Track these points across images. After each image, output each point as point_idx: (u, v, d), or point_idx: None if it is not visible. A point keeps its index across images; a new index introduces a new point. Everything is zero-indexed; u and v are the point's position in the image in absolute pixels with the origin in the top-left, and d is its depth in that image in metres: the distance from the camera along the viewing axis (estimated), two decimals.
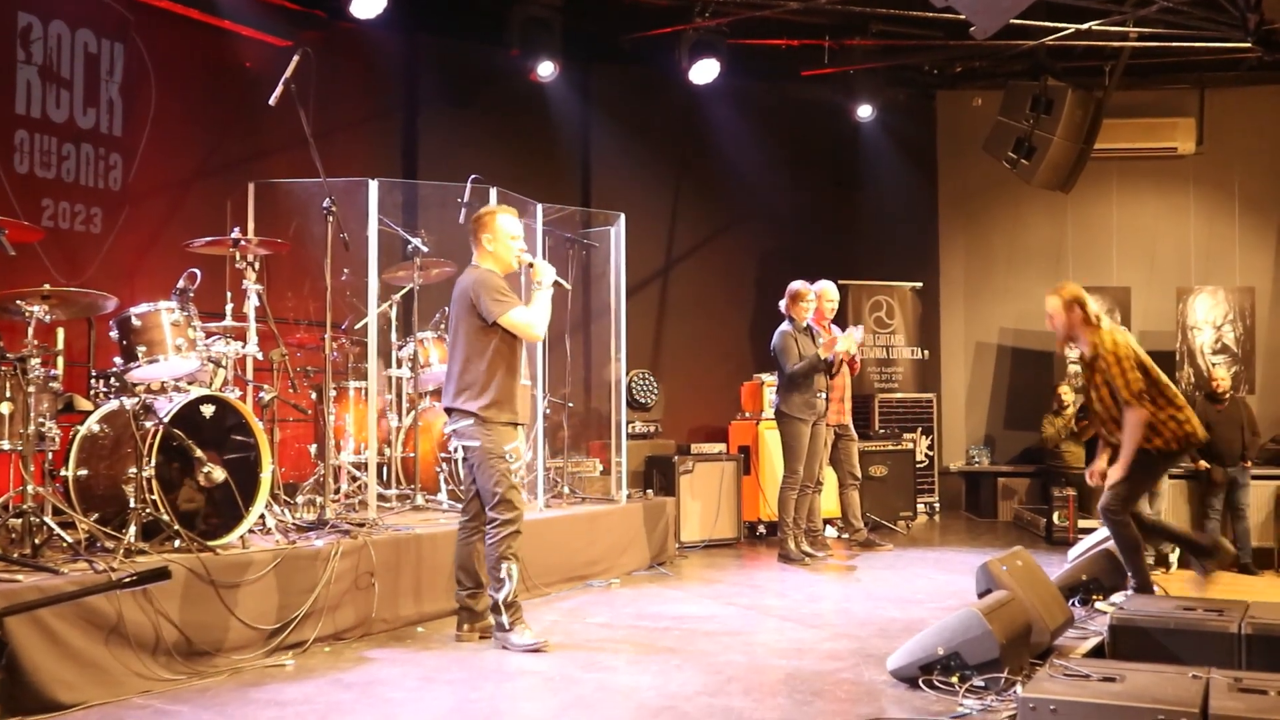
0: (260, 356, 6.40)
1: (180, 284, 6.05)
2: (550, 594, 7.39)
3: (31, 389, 5.30)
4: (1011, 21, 8.81)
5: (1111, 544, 7.32)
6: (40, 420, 5.43)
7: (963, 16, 6.97)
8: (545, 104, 10.56)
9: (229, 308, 6.66)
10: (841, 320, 10.28)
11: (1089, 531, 8.73)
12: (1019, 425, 12.71)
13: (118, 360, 5.93)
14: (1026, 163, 9.30)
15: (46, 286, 5.49)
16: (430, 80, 10.34)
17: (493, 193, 7.53)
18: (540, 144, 10.82)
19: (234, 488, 5.66)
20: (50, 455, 5.65)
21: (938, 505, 12.19)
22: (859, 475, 9.54)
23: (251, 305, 6.34)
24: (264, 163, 8.42)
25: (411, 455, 7.82)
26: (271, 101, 6.42)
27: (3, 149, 7.45)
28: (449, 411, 5.89)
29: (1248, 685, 4.32)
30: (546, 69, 9.89)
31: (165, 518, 5.37)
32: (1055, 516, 10.02)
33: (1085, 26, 8.83)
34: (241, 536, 5.76)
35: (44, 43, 7.69)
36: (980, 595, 5.74)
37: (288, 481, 7.84)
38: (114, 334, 5.94)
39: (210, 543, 5.53)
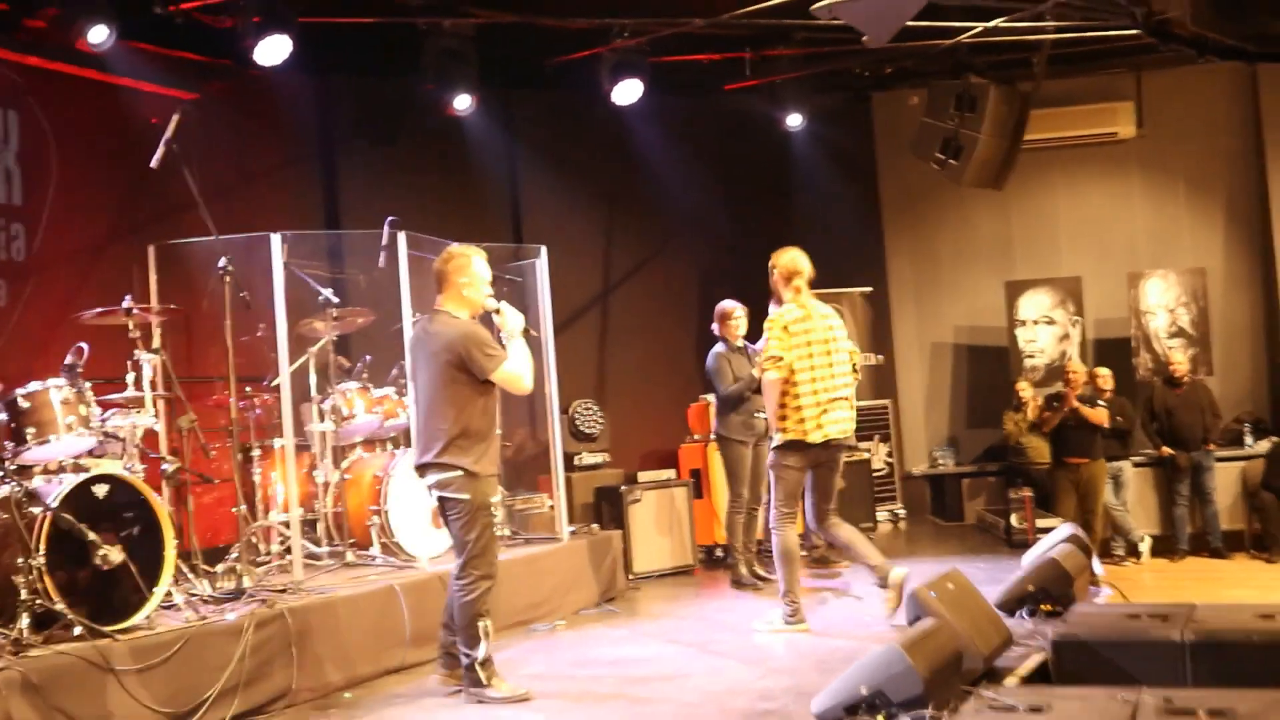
0: (158, 428, 6.20)
1: (68, 359, 5.86)
2: (493, 641, 7.17)
3: None
4: (928, 22, 8.71)
5: (1059, 550, 7.17)
6: None
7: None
8: (466, 137, 10.38)
9: (130, 378, 6.45)
10: None
11: (1049, 531, 8.55)
12: (981, 423, 12.53)
13: (8, 444, 5.72)
14: (955, 163, 9.14)
15: None
16: (347, 121, 10.16)
17: (401, 237, 7.31)
18: (465, 178, 10.64)
19: (133, 568, 5.44)
20: None
21: (902, 512, 12.01)
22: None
23: (145, 375, 6.13)
24: (175, 221, 8.15)
25: (339, 510, 7.62)
26: (153, 164, 6.23)
27: None
28: (429, 467, 5.71)
29: (1178, 705, 4.16)
30: (463, 102, 9.70)
31: (58, 607, 5.16)
32: (1013, 519, 9.84)
33: (993, 23, 8.68)
34: (149, 616, 5.55)
35: None
36: (911, 623, 5.56)
37: (215, 546, 7.66)
38: (2, 416, 5.74)
39: (113, 626, 5.32)
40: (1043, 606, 6.69)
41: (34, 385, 5.75)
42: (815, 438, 6.74)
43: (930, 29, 9.27)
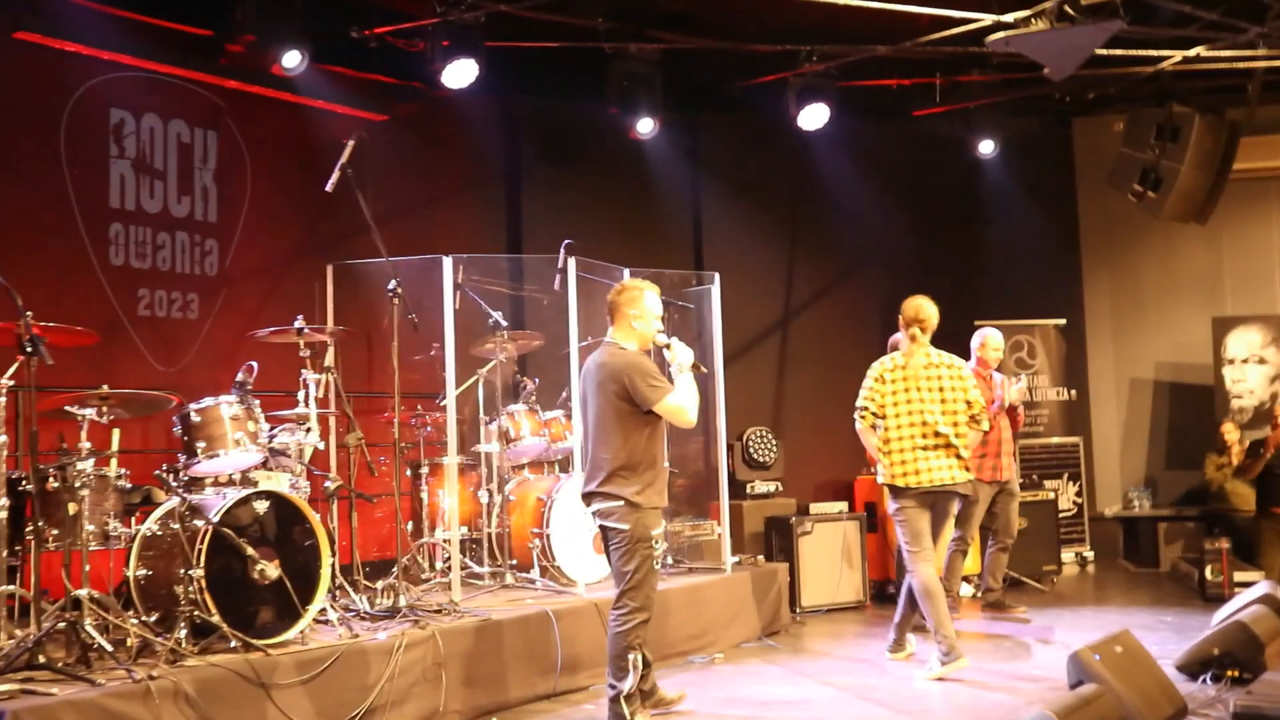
0: (321, 445, 6.34)
1: (239, 376, 6.05)
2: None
3: (84, 491, 5.33)
4: (1130, 51, 8.31)
5: (1250, 611, 6.71)
6: (105, 520, 5.49)
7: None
8: (650, 161, 10.39)
9: (301, 395, 6.63)
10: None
11: (1248, 586, 8.03)
12: (1181, 465, 11.89)
13: (181, 456, 5.94)
14: (1154, 195, 8.69)
15: (105, 388, 5.53)
16: (531, 144, 10.29)
17: (571, 262, 7.32)
18: (647, 202, 10.65)
19: (288, 584, 5.57)
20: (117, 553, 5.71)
21: (1090, 555, 11.48)
22: (1013, 535, 8.96)
23: (312, 394, 6.28)
24: (363, 239, 8.40)
25: (503, 530, 7.68)
26: (328, 188, 6.38)
27: (98, 243, 7.61)
28: (593, 495, 5.76)
29: None
30: (646, 125, 9.71)
31: (214, 619, 5.32)
32: (1208, 570, 9.26)
33: (1193, 52, 8.20)
34: (302, 632, 5.67)
35: (136, 136, 7.86)
36: (1072, 687, 5.25)
37: (385, 559, 7.82)
38: (177, 429, 5.97)
39: (267, 640, 5.45)
40: (1229, 673, 6.27)
41: (207, 400, 5.96)
42: (909, 482, 6.83)
43: (1132, 56, 8.86)
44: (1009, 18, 5.97)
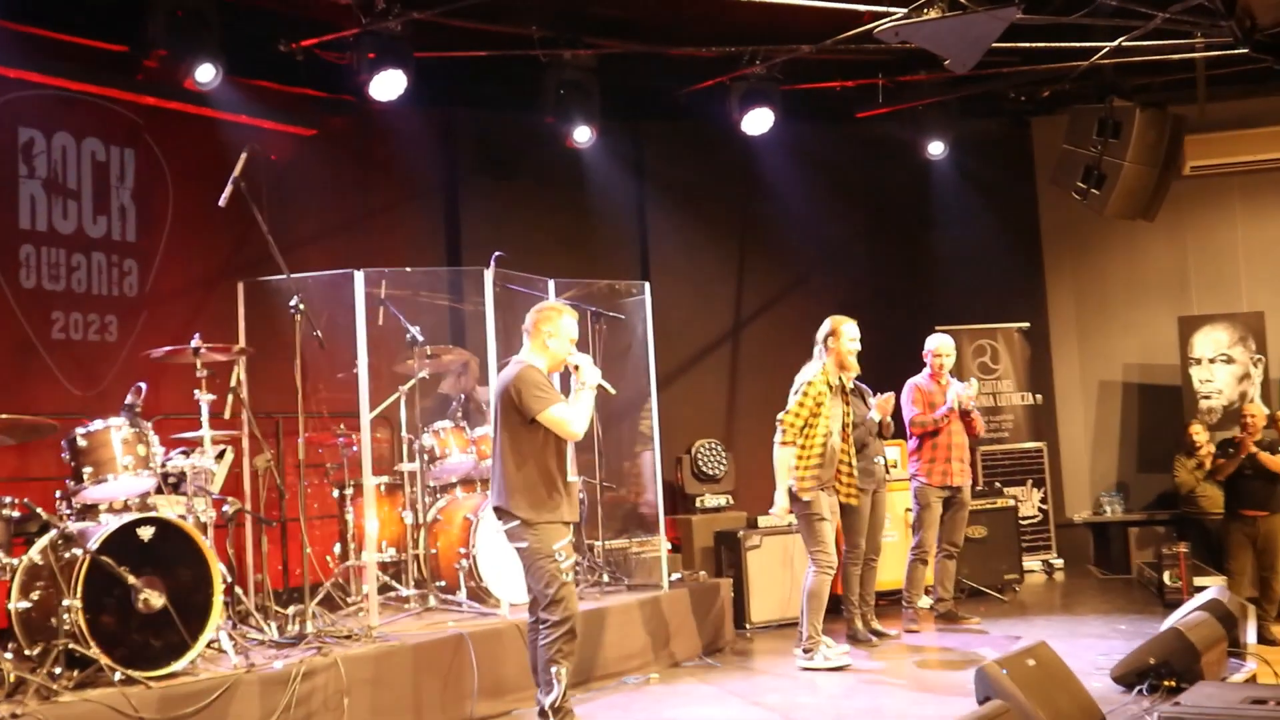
0: (214, 468, 6.14)
1: (128, 399, 5.85)
2: (574, 694, 6.89)
3: None
4: (1077, 43, 8.09)
5: (1190, 618, 6.49)
6: None
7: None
8: (591, 170, 10.22)
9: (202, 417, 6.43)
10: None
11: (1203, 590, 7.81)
12: (1153, 468, 11.63)
13: (69, 482, 5.74)
14: (1097, 192, 8.47)
15: None
16: (468, 156, 10.12)
17: (488, 276, 7.12)
18: (590, 212, 10.46)
19: (173, 614, 5.35)
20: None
21: (1059, 563, 11.23)
22: (959, 544, 8.78)
23: (204, 415, 6.08)
24: (291, 256, 8.20)
25: (432, 552, 7.47)
26: (221, 202, 6.18)
27: (8, 265, 7.42)
28: (498, 512, 5.74)
29: None
30: (583, 134, 9.52)
31: (91, 651, 5.10)
32: (1166, 576, 9.02)
33: (1118, 42, 7.98)
34: (194, 662, 5.46)
35: (47, 155, 7.67)
36: (981, 703, 5.02)
37: (312, 585, 7.61)
38: (65, 455, 5.76)
39: (153, 672, 5.25)
40: (1165, 683, 6.05)
41: (96, 424, 5.75)
42: None
43: (1075, 49, 8.66)
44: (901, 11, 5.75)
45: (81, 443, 5.69)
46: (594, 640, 7.22)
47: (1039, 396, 11.58)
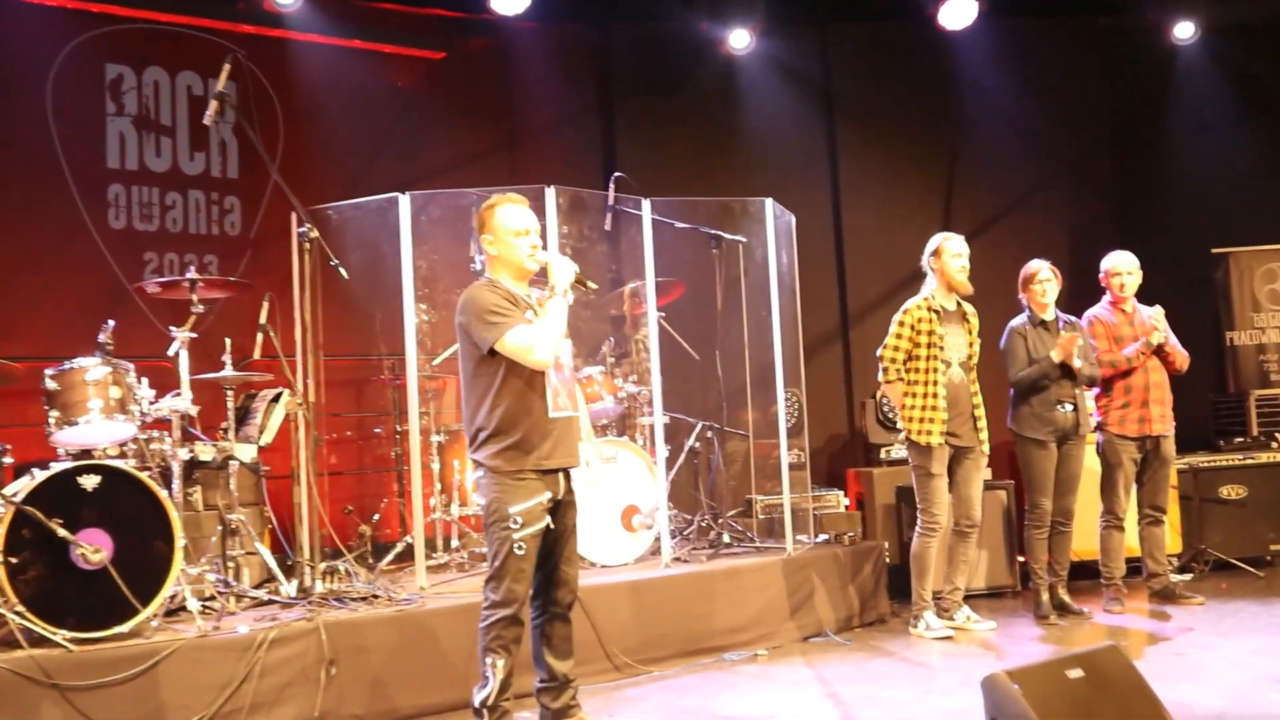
0: (193, 412, 5.58)
1: (100, 338, 5.38)
2: (655, 672, 5.96)
3: None
4: None
5: None
6: None
7: None
8: (768, 82, 9.07)
9: (227, 358, 5.95)
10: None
11: None
12: None
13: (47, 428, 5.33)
14: None
15: None
16: (624, 72, 9.18)
17: (549, 193, 6.22)
18: (766, 131, 9.25)
19: (113, 572, 4.83)
20: None
21: None
22: (1164, 507, 7.20)
23: (182, 356, 5.54)
24: (436, 181, 7.55)
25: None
26: (205, 120, 5.58)
27: (96, 206, 7.19)
28: (473, 464, 4.72)
29: None
30: (740, 39, 8.52)
31: (12, 612, 4.65)
32: None
33: None
34: (139, 626, 4.90)
35: (138, 92, 7.39)
36: None
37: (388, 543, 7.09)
38: (43, 400, 5.35)
39: (98, 634, 4.77)
40: None
41: (68, 364, 5.31)
42: None
43: None
44: None
45: (51, 385, 5.25)
46: (692, 611, 6.27)
47: None
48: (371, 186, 7.31)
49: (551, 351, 4.49)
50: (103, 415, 5.24)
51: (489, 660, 4.50)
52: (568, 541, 4.74)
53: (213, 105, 5.52)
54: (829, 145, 9.48)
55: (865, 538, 7.71)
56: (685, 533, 7.35)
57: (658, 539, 6.73)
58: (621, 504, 6.83)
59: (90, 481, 4.93)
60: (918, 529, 6.64)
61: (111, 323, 5.43)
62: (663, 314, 7.30)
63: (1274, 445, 8.49)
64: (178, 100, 7.55)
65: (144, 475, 5.04)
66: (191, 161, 7.56)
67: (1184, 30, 8.88)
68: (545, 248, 4.83)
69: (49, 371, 5.28)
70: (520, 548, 4.47)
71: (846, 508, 8.18)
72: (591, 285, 4.74)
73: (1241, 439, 8.59)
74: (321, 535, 5.98)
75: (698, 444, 7.58)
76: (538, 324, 4.50)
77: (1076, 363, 6.75)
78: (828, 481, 8.75)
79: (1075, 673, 3.66)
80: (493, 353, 4.45)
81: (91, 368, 5.28)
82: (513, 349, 4.42)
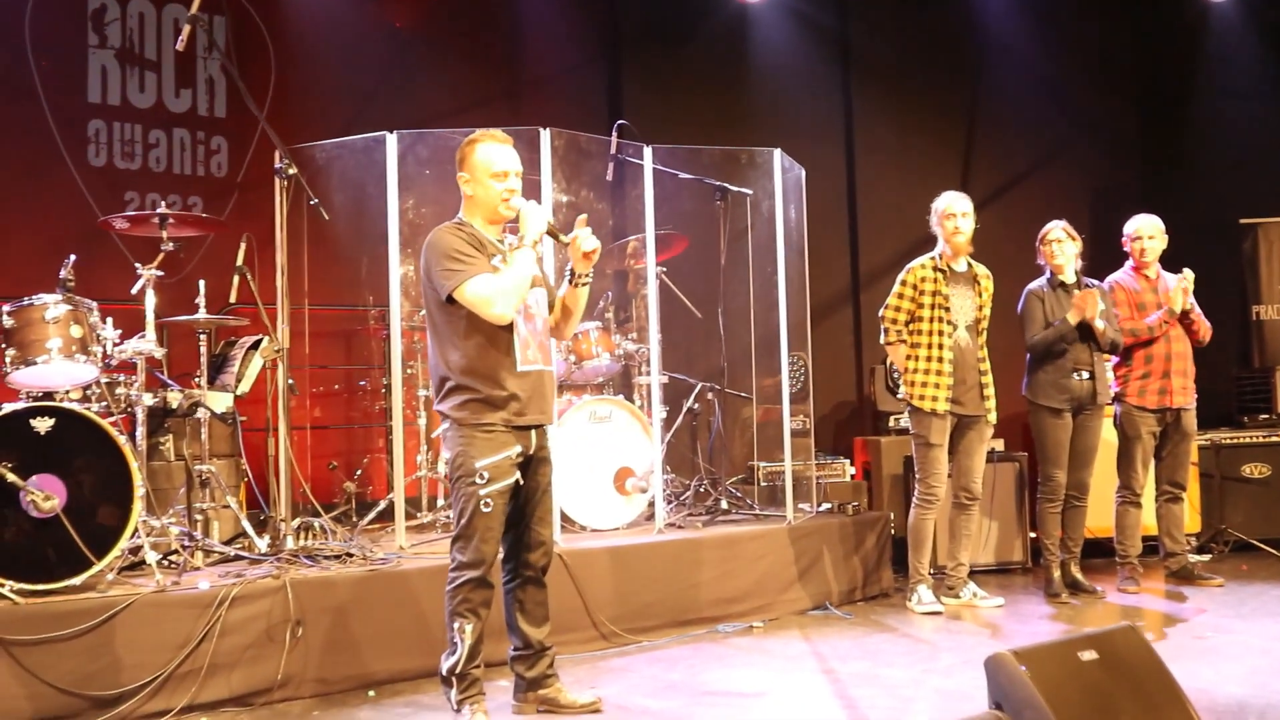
0: (158, 354, 5.27)
1: (61, 274, 5.07)
2: (644, 642, 5.68)
3: None
4: None
5: None
6: None
7: None
8: (783, 32, 8.71)
9: (200, 300, 5.65)
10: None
11: None
12: None
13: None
14: None
15: None
16: (635, 15, 8.85)
17: (545, 136, 5.88)
18: (778, 83, 8.90)
19: (65, 520, 4.55)
20: None
21: None
22: (1184, 483, 6.89)
23: (149, 296, 5.24)
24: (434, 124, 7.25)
25: None
26: (178, 46, 5.23)
27: (75, 142, 6.88)
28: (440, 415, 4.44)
29: None
30: None
31: None
32: None
33: None
34: (93, 578, 4.64)
35: (121, 24, 7.06)
36: (991, 707, 3.40)
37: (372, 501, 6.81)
38: (0, 337, 5.06)
39: (42, 585, 4.49)
40: None
41: (26, 300, 5.01)
42: None
43: None
44: None
45: (8, 321, 4.95)
46: (685, 579, 5.98)
47: None
48: (366, 130, 7.02)
49: (513, 306, 4.17)
50: (62, 355, 4.94)
51: (456, 625, 4.22)
52: (541, 501, 4.44)
53: (185, 29, 5.17)
54: (844, 99, 9.12)
55: (871, 508, 7.44)
56: (681, 498, 7.05)
57: (652, 503, 6.44)
58: (614, 466, 6.54)
59: (43, 424, 4.66)
60: (914, 500, 6.42)
61: (73, 257, 5.11)
62: (664, 269, 7.00)
63: None
64: (164, 34, 7.23)
65: (101, 420, 4.75)
66: (177, 99, 7.25)
67: None
68: (539, 198, 4.52)
69: (6, 308, 4.98)
70: (487, 504, 4.17)
71: (852, 477, 7.91)
72: (564, 238, 4.38)
73: (1266, 415, 8.26)
74: (300, 491, 5.73)
75: (696, 405, 7.26)
76: (502, 274, 4.17)
77: (1098, 324, 6.42)
78: (834, 450, 8.45)
79: (1088, 654, 3.34)
80: (451, 300, 4.15)
81: (51, 305, 4.98)
82: (471, 299, 4.11)
